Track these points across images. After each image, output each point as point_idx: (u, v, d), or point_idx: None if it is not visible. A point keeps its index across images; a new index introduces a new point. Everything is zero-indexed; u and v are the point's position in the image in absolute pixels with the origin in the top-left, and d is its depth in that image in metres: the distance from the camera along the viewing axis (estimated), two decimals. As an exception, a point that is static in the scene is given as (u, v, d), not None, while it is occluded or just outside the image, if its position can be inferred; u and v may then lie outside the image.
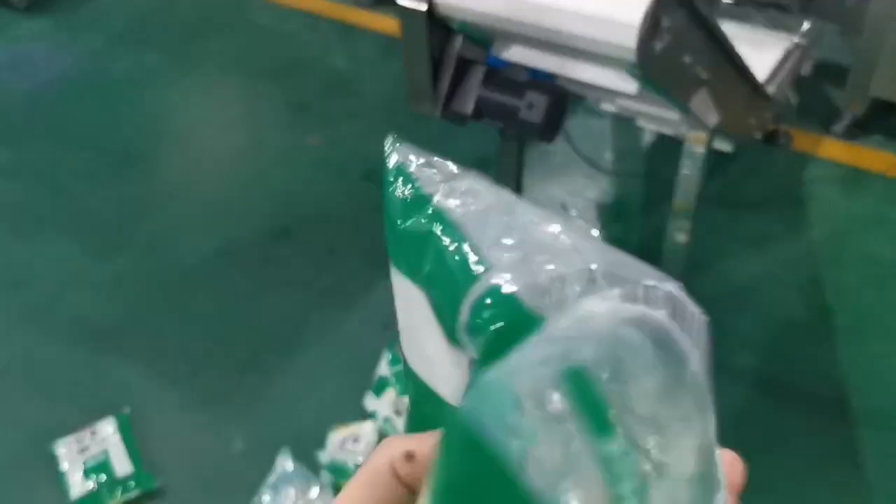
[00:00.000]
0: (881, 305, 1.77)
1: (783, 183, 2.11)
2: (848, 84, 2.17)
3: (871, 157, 2.17)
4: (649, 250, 1.78)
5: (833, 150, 2.19)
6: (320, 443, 1.54)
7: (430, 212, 0.28)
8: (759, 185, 2.09)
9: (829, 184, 2.09)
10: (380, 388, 1.62)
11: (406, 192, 0.29)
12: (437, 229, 0.27)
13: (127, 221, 2.11)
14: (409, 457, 0.27)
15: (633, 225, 2.02)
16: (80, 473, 1.53)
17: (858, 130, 2.21)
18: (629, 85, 1.44)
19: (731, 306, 1.77)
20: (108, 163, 2.29)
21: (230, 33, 2.86)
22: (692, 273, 1.76)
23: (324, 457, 1.53)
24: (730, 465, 0.26)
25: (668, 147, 1.74)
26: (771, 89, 1.82)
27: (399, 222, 0.29)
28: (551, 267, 0.24)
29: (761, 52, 2.02)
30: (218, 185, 2.26)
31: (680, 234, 1.62)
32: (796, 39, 2.12)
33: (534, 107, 1.37)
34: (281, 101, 2.50)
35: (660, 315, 0.22)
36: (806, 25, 2.19)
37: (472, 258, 0.26)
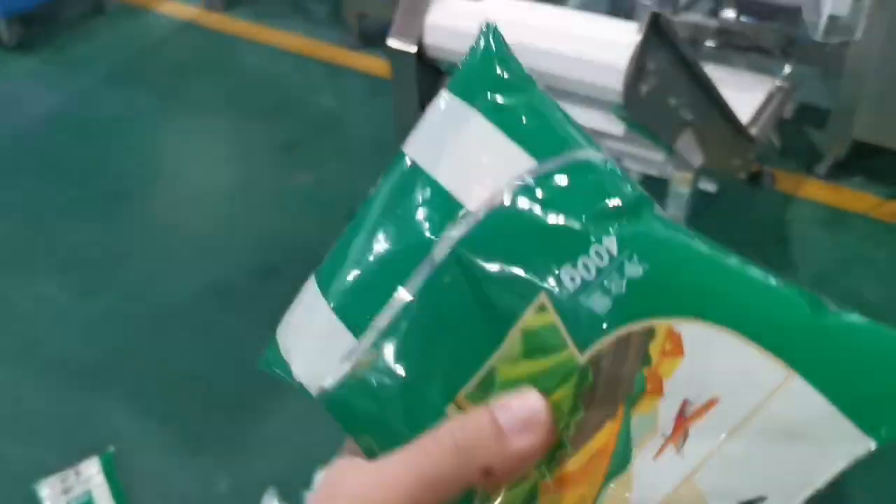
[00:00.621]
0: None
1: (767, 224, 2.14)
2: (829, 126, 2.21)
3: (853, 198, 2.20)
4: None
5: (816, 191, 2.22)
6: (307, 483, 1.53)
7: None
8: (744, 226, 2.11)
9: (813, 224, 2.12)
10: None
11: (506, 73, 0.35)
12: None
13: (114, 260, 2.11)
14: None
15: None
16: (63, 515, 1.51)
17: (841, 171, 2.24)
18: (616, 126, 1.46)
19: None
20: (96, 201, 2.29)
21: (220, 74, 2.88)
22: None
23: (311, 497, 1.52)
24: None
25: (654, 187, 1.76)
26: (754, 131, 1.85)
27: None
28: None
29: (744, 94, 2.06)
30: (206, 224, 2.26)
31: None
32: (778, 82, 2.15)
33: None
34: (269, 141, 2.52)
35: None
36: (787, 69, 2.23)
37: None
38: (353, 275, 0.34)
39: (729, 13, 2.35)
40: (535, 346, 0.30)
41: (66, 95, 2.77)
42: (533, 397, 0.29)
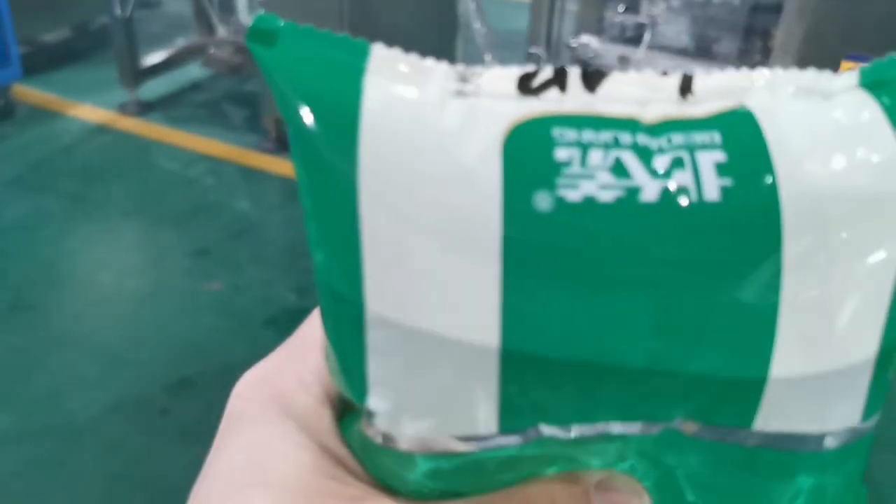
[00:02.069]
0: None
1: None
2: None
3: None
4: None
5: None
6: None
7: None
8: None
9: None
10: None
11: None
12: None
13: (14, 375, 2.02)
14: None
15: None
16: None
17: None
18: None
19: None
20: (-2, 312, 2.21)
21: (132, 178, 2.85)
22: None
23: None
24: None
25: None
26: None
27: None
28: None
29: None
30: (113, 335, 2.19)
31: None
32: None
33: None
34: (183, 247, 2.49)
35: None
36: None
37: None
38: (565, 320, 0.21)
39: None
40: None
41: (-31, 201, 2.70)
42: (640, 497, 0.24)
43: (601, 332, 0.20)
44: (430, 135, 0.21)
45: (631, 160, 0.21)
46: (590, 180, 0.20)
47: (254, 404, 0.24)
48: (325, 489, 0.23)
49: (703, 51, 2.32)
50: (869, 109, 0.22)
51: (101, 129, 3.17)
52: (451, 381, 0.21)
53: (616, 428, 0.22)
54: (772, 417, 0.22)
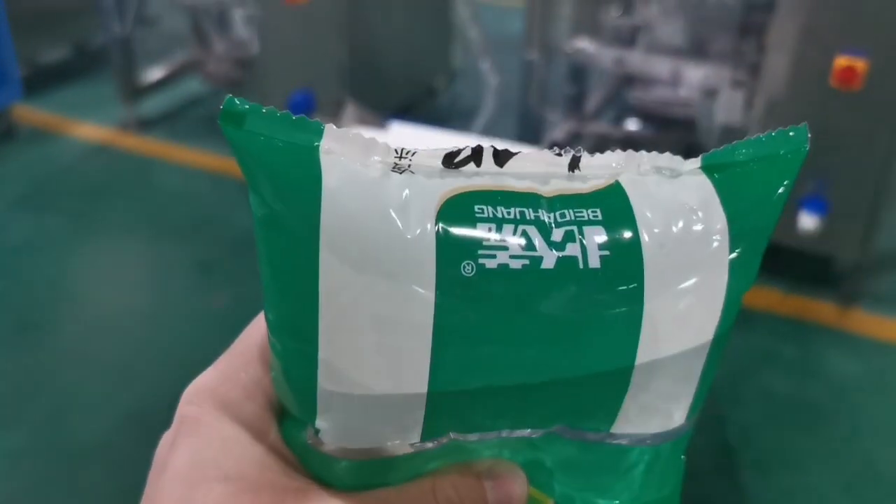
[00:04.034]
0: (781, 440, 1.83)
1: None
2: (731, 227, 2.31)
3: (759, 294, 2.29)
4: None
5: (724, 289, 2.31)
6: None
7: None
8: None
9: (723, 322, 2.19)
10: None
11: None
12: None
13: (20, 394, 2.02)
14: None
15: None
16: None
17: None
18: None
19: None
20: (1, 333, 2.21)
21: (134, 195, 2.87)
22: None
23: None
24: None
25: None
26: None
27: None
28: None
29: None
30: (119, 351, 2.20)
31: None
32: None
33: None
34: (187, 262, 2.50)
35: None
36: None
37: None
38: (475, 385, 0.26)
39: (632, 124, 2.47)
40: None
41: (-28, 223, 2.71)
42: (521, 480, 0.30)
43: (507, 366, 0.26)
44: (378, 210, 0.25)
45: (534, 234, 0.26)
46: (504, 251, 0.25)
47: (205, 409, 0.28)
48: (275, 482, 0.26)
49: (698, 50, 2.32)
50: (705, 188, 0.28)
51: (101, 147, 3.19)
52: (387, 414, 0.26)
53: (508, 433, 0.28)
54: (625, 422, 0.28)
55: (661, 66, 2.31)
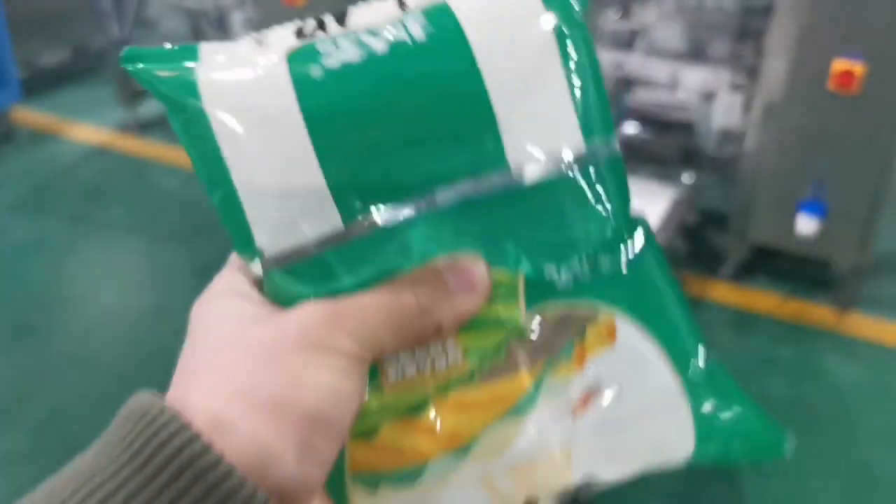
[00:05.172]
0: (780, 444, 1.83)
1: (679, 327, 2.20)
2: (729, 230, 2.32)
3: (758, 298, 2.29)
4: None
5: (722, 292, 2.31)
6: None
7: None
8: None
9: (721, 326, 2.19)
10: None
11: None
12: None
13: (21, 396, 2.02)
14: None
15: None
16: None
17: (745, 273, 2.34)
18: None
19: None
20: (0, 336, 2.21)
21: (133, 198, 2.87)
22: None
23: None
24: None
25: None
26: (661, 237, 1.93)
27: None
28: None
29: (649, 202, 2.15)
30: (118, 354, 2.20)
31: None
32: (681, 190, 2.26)
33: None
34: (185, 265, 2.50)
35: None
36: (688, 177, 2.35)
37: None
38: (363, 157, 0.30)
39: (630, 127, 2.47)
40: (492, 293, 0.32)
41: (-29, 225, 2.71)
42: (480, 264, 0.31)
43: (381, 139, 0.30)
44: (244, 66, 0.31)
45: (367, 37, 0.31)
46: (343, 52, 0.30)
47: (211, 294, 0.32)
48: (271, 308, 0.31)
49: (696, 54, 2.33)
50: None
51: (100, 150, 3.19)
52: (303, 204, 0.30)
53: (426, 206, 0.31)
54: (514, 151, 0.31)
55: (659, 70, 2.31)
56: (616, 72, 2.38)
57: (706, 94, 2.28)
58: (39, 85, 3.57)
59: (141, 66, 0.31)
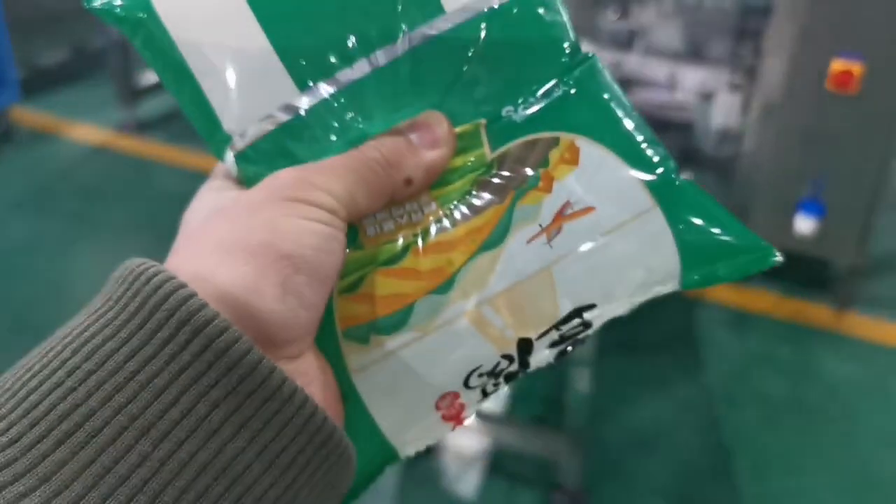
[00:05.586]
0: (777, 443, 1.83)
1: (676, 327, 2.20)
2: (728, 230, 2.32)
3: (755, 297, 2.29)
4: (551, 401, 1.81)
5: (720, 292, 2.31)
6: None
7: None
8: (654, 330, 2.18)
9: (720, 326, 2.20)
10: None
11: None
12: None
13: (19, 395, 2.02)
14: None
15: (535, 376, 2.05)
16: None
17: (742, 272, 2.34)
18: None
19: (636, 453, 1.80)
20: None
21: (133, 198, 2.87)
22: (597, 421, 1.79)
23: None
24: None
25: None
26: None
27: None
28: None
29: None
30: (118, 353, 2.20)
31: (581, 383, 1.66)
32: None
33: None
34: (184, 264, 2.49)
35: None
36: (685, 176, 2.35)
37: None
38: (306, 21, 0.32)
39: (627, 126, 2.48)
40: (458, 146, 0.33)
41: (-30, 224, 2.71)
42: (440, 119, 0.32)
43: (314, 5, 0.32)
44: None
45: None
46: None
47: (197, 196, 0.34)
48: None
49: (695, 54, 2.33)
50: None
51: (100, 150, 3.19)
52: (257, 77, 0.32)
53: (375, 62, 0.32)
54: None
55: (658, 70, 2.32)
56: (614, 71, 2.39)
57: (705, 94, 2.29)
58: (39, 85, 3.57)
59: (98, 3, 0.33)
